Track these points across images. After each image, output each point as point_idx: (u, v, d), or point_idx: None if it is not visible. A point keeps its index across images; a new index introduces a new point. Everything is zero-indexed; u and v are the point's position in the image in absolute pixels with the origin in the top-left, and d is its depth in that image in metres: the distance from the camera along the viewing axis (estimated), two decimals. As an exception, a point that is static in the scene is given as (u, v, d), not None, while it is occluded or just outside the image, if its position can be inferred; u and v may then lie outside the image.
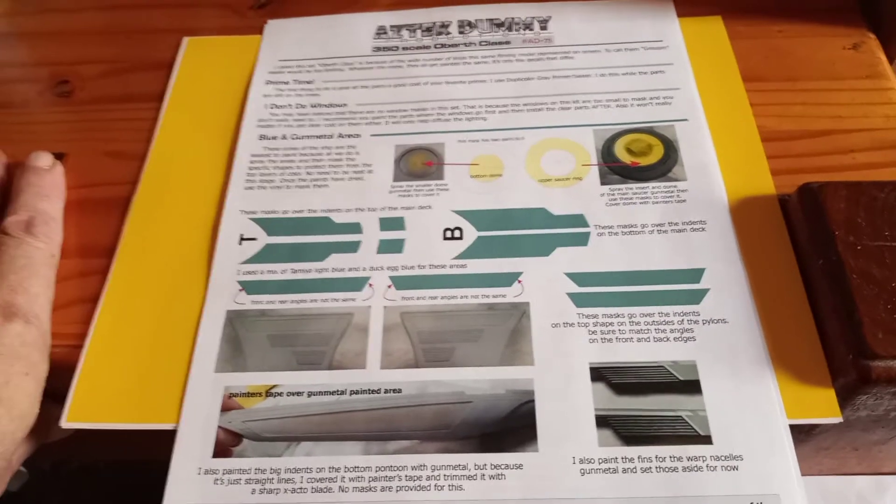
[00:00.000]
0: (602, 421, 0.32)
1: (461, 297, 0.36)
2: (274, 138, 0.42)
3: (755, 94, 0.41)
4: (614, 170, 0.39)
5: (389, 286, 0.36)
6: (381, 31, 0.47)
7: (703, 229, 0.36)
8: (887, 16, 0.43)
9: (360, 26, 0.47)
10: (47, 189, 0.39)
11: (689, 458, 0.31)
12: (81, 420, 0.33)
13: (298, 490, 0.31)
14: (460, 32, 0.46)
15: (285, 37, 0.47)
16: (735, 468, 0.30)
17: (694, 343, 0.33)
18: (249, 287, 0.36)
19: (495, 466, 0.31)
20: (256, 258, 0.37)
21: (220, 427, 0.32)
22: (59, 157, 0.41)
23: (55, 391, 0.34)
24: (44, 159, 0.40)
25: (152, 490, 0.32)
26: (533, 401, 0.32)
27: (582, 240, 0.37)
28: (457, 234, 0.38)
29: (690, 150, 0.39)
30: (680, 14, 0.45)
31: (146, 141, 0.42)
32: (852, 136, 0.39)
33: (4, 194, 0.39)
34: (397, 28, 0.47)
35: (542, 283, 0.36)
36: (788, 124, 0.40)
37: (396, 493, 0.31)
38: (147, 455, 0.34)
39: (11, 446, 0.32)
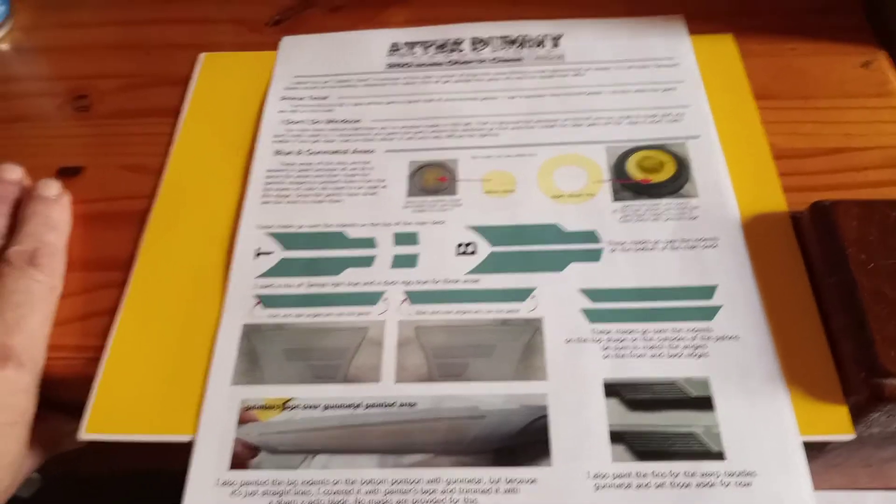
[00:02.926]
0: (616, 436, 0.32)
1: (475, 312, 0.36)
2: (289, 153, 0.42)
3: (767, 112, 0.41)
4: (626, 186, 0.39)
5: (404, 300, 0.36)
6: (394, 48, 0.47)
7: (716, 246, 0.37)
8: (898, 35, 0.43)
9: (375, 43, 0.48)
10: (54, 220, 0.39)
11: (702, 474, 0.31)
12: (100, 432, 0.33)
13: (315, 502, 0.31)
14: (473, 49, 0.47)
15: (300, 53, 0.47)
16: (748, 484, 0.30)
17: (707, 359, 0.33)
18: (266, 301, 0.37)
19: (509, 481, 0.31)
20: (272, 272, 0.38)
21: (237, 439, 0.33)
22: (76, 171, 0.42)
23: (69, 403, 0.34)
24: (52, 188, 0.40)
25: (165, 499, 0.32)
26: (546, 416, 0.33)
27: (594, 256, 0.37)
28: (470, 249, 0.38)
29: (702, 167, 0.40)
30: (692, 32, 0.46)
31: (163, 155, 0.43)
32: (864, 154, 0.39)
33: (14, 216, 0.39)
34: (411, 45, 0.47)
35: (556, 298, 0.36)
36: (800, 142, 0.40)
37: (411, 507, 0.31)
38: (159, 465, 0.34)
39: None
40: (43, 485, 0.41)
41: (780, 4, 0.46)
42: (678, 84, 0.43)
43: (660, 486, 0.31)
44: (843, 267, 0.33)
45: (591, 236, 0.38)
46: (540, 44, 0.47)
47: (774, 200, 0.38)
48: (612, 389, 0.33)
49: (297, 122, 0.44)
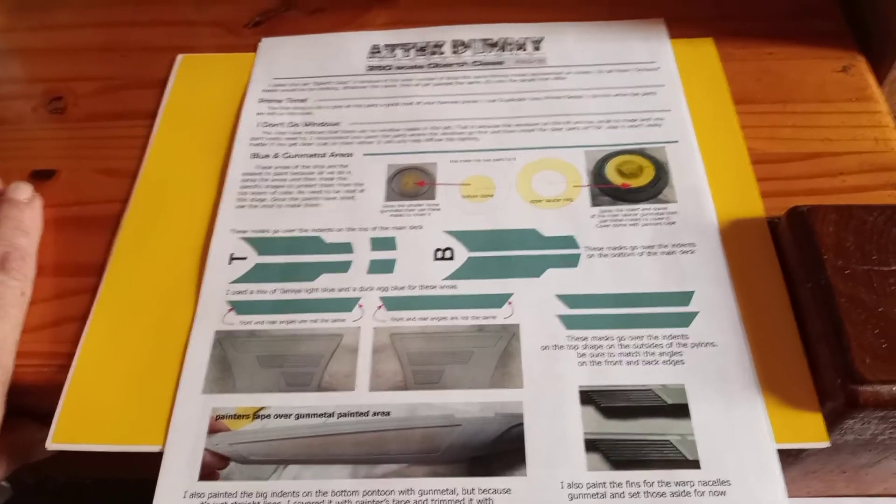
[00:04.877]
0: (591, 445, 0.32)
1: (451, 319, 0.35)
2: (266, 157, 0.42)
3: (746, 116, 0.41)
4: (605, 191, 0.39)
5: (380, 307, 0.36)
6: (375, 51, 0.47)
7: (693, 252, 0.37)
8: (877, 38, 0.43)
9: (355, 45, 0.47)
10: (26, 224, 0.38)
11: (677, 483, 0.30)
12: (67, 441, 0.33)
13: (285, 514, 0.31)
14: (454, 52, 0.46)
15: (279, 55, 0.47)
16: (723, 493, 0.30)
17: (683, 366, 0.33)
18: (239, 307, 0.36)
19: (483, 491, 0.31)
20: (246, 278, 0.37)
21: (206, 449, 0.32)
22: (50, 174, 0.41)
23: (39, 411, 0.34)
24: (23, 191, 0.39)
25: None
26: (522, 424, 0.32)
27: (572, 261, 0.37)
28: (448, 254, 0.38)
29: (681, 171, 0.39)
30: (672, 36, 0.45)
31: (138, 159, 0.42)
32: (841, 159, 0.39)
33: None
34: (391, 47, 0.47)
35: (533, 304, 0.36)
36: (778, 146, 0.40)
37: (384, 517, 0.31)
38: (134, 473, 0.34)
39: None
40: (14, 494, 0.41)
41: (759, 9, 0.46)
42: (658, 88, 0.43)
43: (634, 495, 0.30)
44: (820, 272, 0.33)
45: (569, 241, 0.38)
46: (521, 47, 0.46)
47: (752, 205, 0.38)
48: (588, 397, 0.33)
49: (275, 125, 0.43)
